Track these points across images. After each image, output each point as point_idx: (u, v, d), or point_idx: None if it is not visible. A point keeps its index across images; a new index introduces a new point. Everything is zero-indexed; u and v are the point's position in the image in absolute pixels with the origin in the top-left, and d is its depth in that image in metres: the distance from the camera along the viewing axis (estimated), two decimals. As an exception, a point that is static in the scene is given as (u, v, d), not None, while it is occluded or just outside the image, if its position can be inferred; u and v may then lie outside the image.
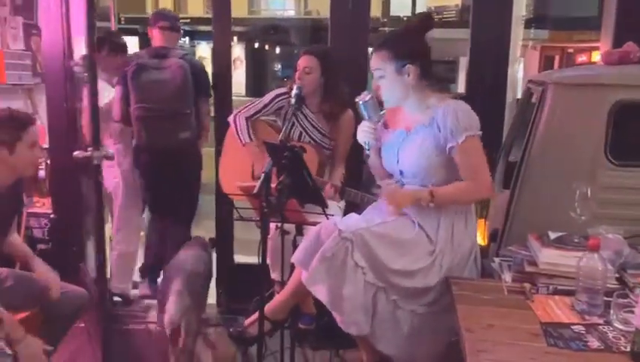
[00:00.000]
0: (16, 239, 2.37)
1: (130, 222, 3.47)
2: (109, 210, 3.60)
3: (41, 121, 3.55)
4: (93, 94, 2.54)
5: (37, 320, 2.18)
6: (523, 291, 1.78)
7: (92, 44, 2.51)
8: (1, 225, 2.20)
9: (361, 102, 2.05)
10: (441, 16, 10.17)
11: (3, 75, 3.29)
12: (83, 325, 2.87)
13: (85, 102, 3.11)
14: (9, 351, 1.66)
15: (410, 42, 2.03)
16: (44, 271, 2.25)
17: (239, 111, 2.75)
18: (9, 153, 2.07)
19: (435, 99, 2.02)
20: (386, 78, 2.01)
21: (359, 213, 2.22)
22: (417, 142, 2.00)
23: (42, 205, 3.30)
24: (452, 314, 1.74)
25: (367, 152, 2.13)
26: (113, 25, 4.45)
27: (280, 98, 2.74)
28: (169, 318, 2.34)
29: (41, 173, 3.36)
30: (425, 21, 2.09)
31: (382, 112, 2.11)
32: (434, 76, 2.07)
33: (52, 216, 3.21)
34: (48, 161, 3.25)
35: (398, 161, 2.07)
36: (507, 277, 1.88)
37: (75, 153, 2.54)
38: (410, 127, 2.06)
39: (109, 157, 2.56)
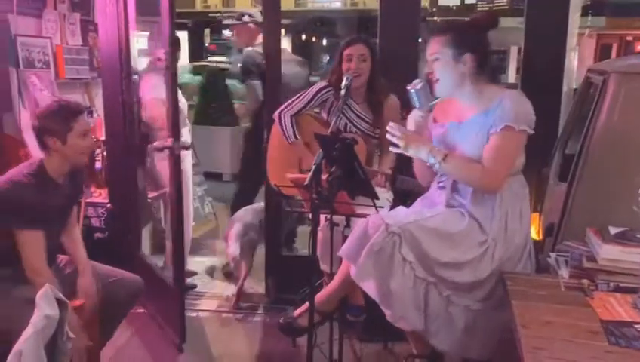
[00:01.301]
0: (77, 237, 2.37)
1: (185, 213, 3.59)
2: (163, 200, 3.72)
3: (98, 113, 3.69)
4: (174, 88, 2.72)
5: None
6: (581, 287, 1.72)
7: (173, 39, 2.68)
8: (61, 214, 2.26)
9: (412, 90, 2.01)
10: (491, 5, 9.92)
11: (63, 70, 3.42)
12: (142, 310, 2.99)
13: (148, 95, 3.25)
14: (72, 335, 1.73)
15: (471, 33, 2.00)
16: (84, 288, 2.20)
17: (284, 109, 2.76)
18: (62, 143, 2.10)
19: (493, 90, 1.98)
20: (442, 63, 1.97)
21: (408, 207, 2.20)
22: (474, 130, 1.95)
23: (99, 195, 3.42)
24: (507, 310, 1.70)
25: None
26: (165, 20, 4.56)
27: (324, 91, 2.74)
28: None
29: (98, 165, 3.49)
30: (490, 19, 2.06)
31: (433, 102, 2.06)
32: (491, 70, 2.02)
33: (108, 205, 3.34)
34: (105, 153, 3.38)
35: None
36: (564, 272, 1.82)
37: (155, 144, 2.77)
38: (462, 118, 2.01)
39: (186, 147, 2.75)
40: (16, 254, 2.05)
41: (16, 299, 1.99)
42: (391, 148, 2.05)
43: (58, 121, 2.10)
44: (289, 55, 3.95)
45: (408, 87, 2.03)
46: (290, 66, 3.61)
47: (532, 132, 1.91)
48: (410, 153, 1.98)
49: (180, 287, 2.81)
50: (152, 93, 3.30)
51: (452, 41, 1.95)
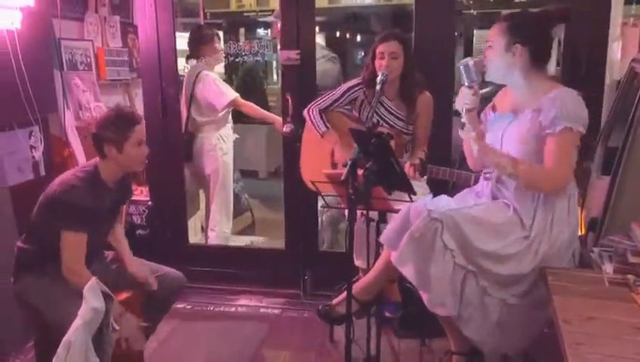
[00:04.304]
0: (119, 231, 2.47)
1: (226, 204, 3.71)
2: (205, 194, 3.80)
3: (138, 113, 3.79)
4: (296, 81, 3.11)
5: (137, 300, 2.32)
6: (626, 283, 1.68)
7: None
8: (109, 215, 2.33)
9: (461, 66, 2.01)
10: (530, -4, 9.70)
11: (104, 72, 3.51)
12: (183, 306, 3.05)
13: (227, 96, 3.47)
14: (117, 327, 1.79)
15: (530, 25, 1.97)
16: (136, 270, 2.31)
17: (313, 105, 2.77)
18: (118, 152, 2.16)
19: (544, 84, 1.96)
20: (493, 50, 1.97)
21: (451, 195, 2.18)
22: (524, 126, 1.94)
23: (140, 193, 3.51)
24: (544, 308, 1.66)
25: (463, 121, 2.04)
26: (202, 20, 4.66)
27: (353, 90, 2.73)
28: None
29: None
30: (560, 14, 2.05)
31: (486, 90, 2.03)
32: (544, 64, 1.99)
33: (149, 203, 3.42)
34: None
35: (502, 146, 2.01)
36: (608, 268, 1.78)
37: (285, 129, 3.10)
38: (517, 110, 2.00)
39: (293, 132, 3.06)
40: None
41: (65, 292, 2.06)
42: (460, 134, 2.04)
43: (115, 130, 2.15)
44: (320, 50, 3.85)
45: (458, 64, 2.03)
46: (319, 63, 3.56)
47: (584, 132, 1.89)
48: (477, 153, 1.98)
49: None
50: (229, 93, 3.49)
51: (507, 30, 1.95)
